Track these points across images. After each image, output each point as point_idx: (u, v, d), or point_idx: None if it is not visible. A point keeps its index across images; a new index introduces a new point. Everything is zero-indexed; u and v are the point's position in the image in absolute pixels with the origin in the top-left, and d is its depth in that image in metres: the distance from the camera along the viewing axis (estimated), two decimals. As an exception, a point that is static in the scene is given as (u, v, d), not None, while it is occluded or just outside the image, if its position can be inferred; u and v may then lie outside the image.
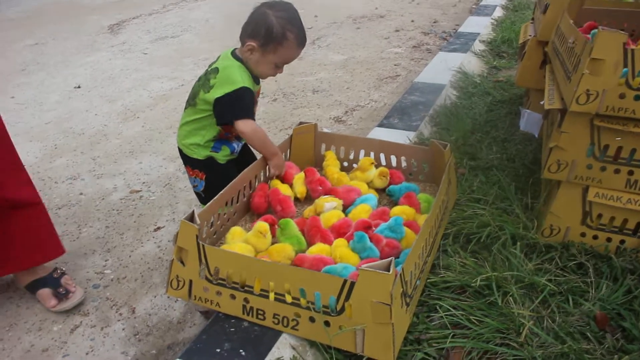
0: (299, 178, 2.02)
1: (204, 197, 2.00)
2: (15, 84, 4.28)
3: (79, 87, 4.16)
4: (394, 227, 1.65)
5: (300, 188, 2.00)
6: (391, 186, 1.99)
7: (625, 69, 1.48)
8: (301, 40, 1.80)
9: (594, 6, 2.41)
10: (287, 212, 1.86)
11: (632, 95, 1.51)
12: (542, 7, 2.47)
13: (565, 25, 1.95)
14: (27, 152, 3.05)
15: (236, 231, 1.75)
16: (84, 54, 5.10)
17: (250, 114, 1.80)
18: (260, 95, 3.69)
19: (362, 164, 2.05)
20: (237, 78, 1.76)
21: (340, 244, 1.61)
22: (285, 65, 1.87)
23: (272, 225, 1.73)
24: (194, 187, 2.02)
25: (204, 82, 1.82)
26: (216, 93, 1.76)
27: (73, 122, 3.47)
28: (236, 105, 1.77)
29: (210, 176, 1.95)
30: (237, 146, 1.98)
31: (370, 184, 2.03)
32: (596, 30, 1.58)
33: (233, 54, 1.84)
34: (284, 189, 1.94)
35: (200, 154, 1.92)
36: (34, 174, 2.81)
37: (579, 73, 1.55)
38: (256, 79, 1.88)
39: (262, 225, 1.68)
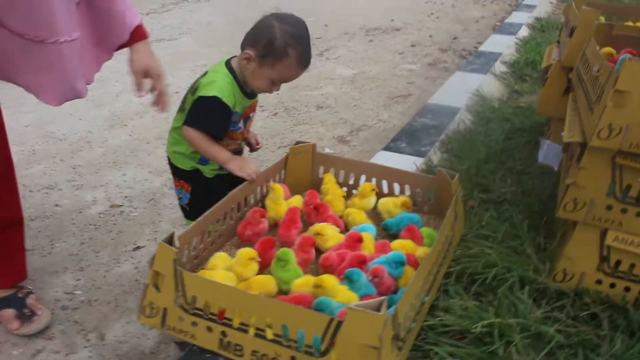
0: (294, 201, 2.01)
1: (188, 210, 2.01)
2: (-5, 82, 4.31)
3: (64, 88, 4.18)
4: (393, 263, 1.63)
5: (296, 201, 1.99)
6: (388, 219, 1.97)
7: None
8: (304, 61, 1.78)
9: (624, 32, 2.42)
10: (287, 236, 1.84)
11: (658, 132, 1.51)
12: (569, 29, 2.49)
13: (592, 51, 1.96)
14: (2, 156, 3.07)
15: (220, 257, 1.74)
16: (73, 52, 5.14)
17: (205, 127, 1.77)
18: (259, 109, 3.73)
19: (363, 190, 2.04)
20: (216, 85, 1.76)
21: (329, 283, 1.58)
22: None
23: (266, 250, 1.71)
24: (179, 199, 2.02)
25: (193, 85, 1.84)
26: (195, 95, 1.79)
27: (55, 126, 3.49)
28: (196, 110, 1.77)
29: (195, 189, 1.95)
30: None
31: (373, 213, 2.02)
32: (624, 57, 1.59)
33: (227, 62, 1.84)
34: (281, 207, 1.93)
35: (185, 164, 1.92)
36: (7, 180, 2.82)
37: (602, 105, 1.55)
38: (249, 93, 1.87)
39: (248, 252, 1.66)
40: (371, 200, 2.03)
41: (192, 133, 1.79)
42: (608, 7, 3.06)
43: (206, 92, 1.76)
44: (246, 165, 1.84)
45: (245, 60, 1.77)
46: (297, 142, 2.16)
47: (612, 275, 1.73)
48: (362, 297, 1.54)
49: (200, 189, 1.95)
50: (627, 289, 1.72)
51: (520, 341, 1.53)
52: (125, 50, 1.77)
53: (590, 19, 2.31)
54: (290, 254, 1.64)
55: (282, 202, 1.94)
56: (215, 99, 1.74)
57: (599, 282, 1.75)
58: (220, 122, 1.80)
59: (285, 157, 2.13)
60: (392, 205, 1.97)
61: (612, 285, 1.74)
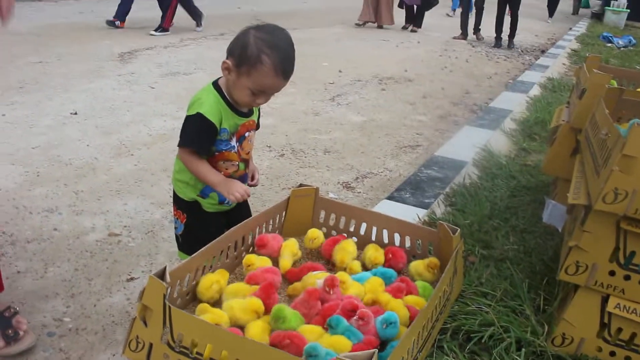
0: (286, 247, 1.97)
1: (180, 242, 1.98)
2: (9, 102, 4.36)
3: (75, 113, 4.22)
4: (387, 325, 1.58)
5: (285, 262, 1.92)
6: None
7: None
8: (280, 68, 1.70)
9: (634, 97, 2.42)
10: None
11: (665, 201, 1.49)
12: (579, 92, 2.49)
13: (601, 114, 1.95)
14: (6, 176, 3.07)
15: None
16: (87, 79, 5.21)
17: (189, 143, 1.76)
18: (267, 149, 3.75)
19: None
20: (200, 103, 1.75)
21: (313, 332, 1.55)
22: (271, 98, 1.82)
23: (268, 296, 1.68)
24: (175, 228, 2.00)
25: None
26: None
27: (62, 150, 3.50)
28: (182, 130, 1.77)
29: (190, 221, 1.93)
30: None
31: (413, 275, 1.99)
32: (633, 122, 1.58)
33: (214, 82, 1.83)
34: (262, 261, 1.88)
35: (186, 195, 1.90)
36: (8, 200, 2.82)
37: (609, 169, 1.54)
38: (240, 112, 1.83)
39: (257, 305, 1.63)
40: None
41: (182, 153, 1.79)
42: (619, 71, 3.08)
43: (191, 111, 1.75)
44: (234, 187, 1.78)
45: (226, 70, 1.75)
46: (300, 185, 2.14)
47: (612, 344, 1.69)
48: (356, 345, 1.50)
49: (195, 222, 1.92)
50: (628, 359, 1.68)
51: (514, 406, 1.48)
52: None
53: (601, 82, 2.31)
54: (285, 310, 1.60)
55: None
56: (197, 115, 1.73)
57: (599, 349, 1.71)
58: (203, 138, 1.77)
59: (286, 199, 2.11)
60: (423, 267, 1.93)
61: (612, 354, 1.70)
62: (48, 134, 3.76)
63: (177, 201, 1.94)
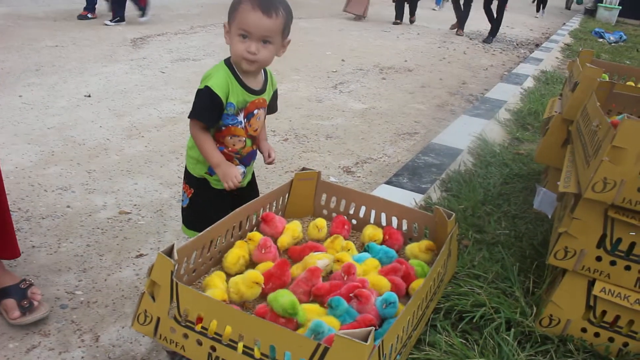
0: (289, 229, 1.97)
1: (184, 215, 1.98)
2: (25, 83, 4.34)
3: (89, 96, 4.20)
4: (387, 304, 1.57)
5: (284, 239, 1.93)
6: (372, 243, 1.96)
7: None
8: (257, 2, 1.68)
9: (624, 91, 2.41)
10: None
11: (652, 190, 1.48)
12: (572, 84, 2.47)
13: (592, 107, 1.94)
14: (22, 154, 3.06)
15: (218, 275, 1.71)
16: (101, 63, 5.18)
17: (194, 115, 1.76)
18: (271, 133, 3.73)
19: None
20: (209, 75, 1.76)
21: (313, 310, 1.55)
22: (264, 46, 1.74)
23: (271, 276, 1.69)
24: (181, 200, 1.99)
25: None
26: None
27: (76, 131, 3.48)
28: (193, 103, 1.77)
29: (196, 196, 1.92)
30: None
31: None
32: (623, 115, 1.57)
33: (226, 59, 1.82)
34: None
35: (195, 171, 1.89)
36: (24, 177, 2.81)
37: (599, 159, 1.53)
38: (251, 89, 1.81)
39: (255, 275, 1.63)
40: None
41: (191, 126, 1.79)
42: (610, 66, 3.05)
43: (201, 85, 1.76)
44: (228, 175, 1.78)
45: (226, 36, 1.76)
46: (303, 169, 2.13)
47: (597, 325, 1.69)
48: (342, 323, 1.51)
49: (202, 197, 1.91)
50: (611, 340, 1.68)
51: (502, 383, 1.48)
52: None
53: (593, 76, 2.29)
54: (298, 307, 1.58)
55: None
56: (206, 89, 1.73)
57: (584, 330, 1.71)
58: (209, 110, 1.77)
59: (289, 182, 2.11)
60: (418, 250, 1.94)
61: (597, 335, 1.70)
62: (63, 115, 3.74)
63: (187, 176, 1.94)
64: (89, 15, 7.36)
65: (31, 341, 1.77)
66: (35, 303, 1.84)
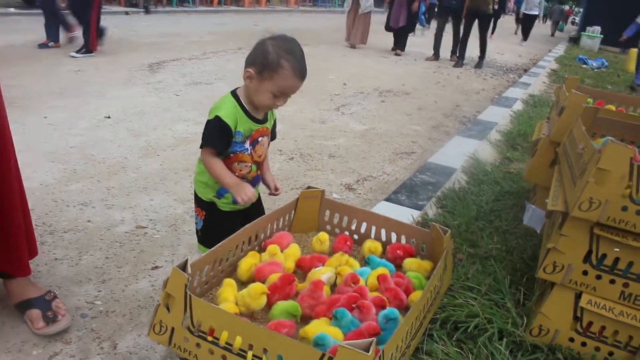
0: (289, 252, 1.94)
1: (200, 236, 1.99)
2: (50, 105, 4.36)
3: (108, 117, 4.22)
4: (387, 320, 1.56)
5: (288, 264, 1.89)
6: (372, 255, 1.95)
7: None
8: (298, 70, 1.73)
9: (607, 115, 2.41)
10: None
11: (634, 209, 1.48)
12: (559, 109, 2.48)
13: (578, 130, 1.94)
14: (46, 172, 3.07)
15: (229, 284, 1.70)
16: (120, 87, 5.21)
17: (206, 143, 1.78)
18: (278, 152, 3.74)
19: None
20: (219, 107, 1.77)
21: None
22: (289, 98, 1.81)
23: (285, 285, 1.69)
24: (195, 223, 2.00)
25: None
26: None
27: (96, 150, 3.50)
28: (203, 134, 1.77)
29: (208, 218, 1.93)
30: None
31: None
32: (606, 139, 1.58)
33: (233, 91, 1.83)
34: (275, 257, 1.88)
35: (204, 195, 1.91)
36: (48, 194, 2.81)
37: (585, 180, 1.53)
38: (255, 118, 1.83)
39: (260, 287, 1.63)
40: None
41: (203, 153, 1.80)
42: (594, 92, 3.06)
43: (211, 115, 1.77)
44: (243, 191, 1.80)
45: (248, 79, 1.75)
46: (309, 187, 2.14)
47: (584, 335, 1.68)
48: (345, 334, 1.50)
49: (212, 220, 1.92)
50: (597, 349, 1.68)
51: (495, 390, 1.47)
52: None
53: (579, 101, 2.30)
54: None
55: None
56: (216, 118, 1.74)
57: (571, 339, 1.70)
58: (219, 138, 1.78)
59: (296, 200, 2.11)
60: (416, 266, 1.93)
61: (584, 344, 1.69)
62: (84, 135, 3.76)
63: (197, 200, 1.95)
64: (50, 45, 6.88)
65: (53, 349, 1.76)
66: (59, 316, 1.83)
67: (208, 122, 1.77)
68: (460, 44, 9.32)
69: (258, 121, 1.84)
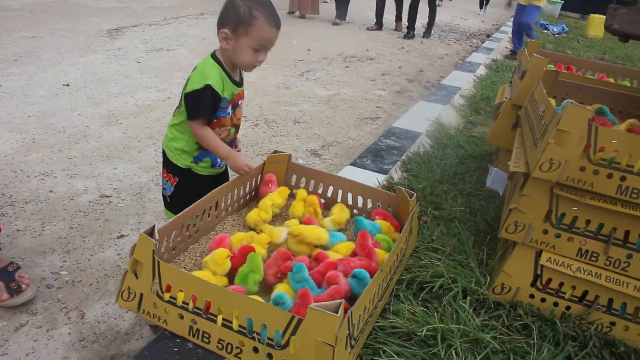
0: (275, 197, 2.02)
1: (168, 201, 1.95)
2: (5, 73, 4.20)
3: (67, 85, 4.10)
4: (359, 281, 1.58)
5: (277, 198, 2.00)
6: (360, 217, 1.96)
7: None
8: (272, 19, 1.70)
9: (567, 79, 2.45)
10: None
11: (592, 169, 1.52)
12: (520, 72, 2.51)
13: (539, 93, 1.97)
14: (3, 142, 2.98)
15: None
16: (78, 53, 5.05)
17: (200, 114, 1.74)
18: (243, 119, 3.69)
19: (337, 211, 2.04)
20: (205, 75, 1.72)
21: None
22: (268, 53, 1.78)
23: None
24: (163, 189, 1.96)
25: (186, 82, 1.79)
26: (187, 89, 1.73)
27: (55, 119, 3.40)
28: (194, 104, 1.73)
29: (181, 183, 1.90)
30: (221, 160, 1.92)
31: None
32: (566, 101, 1.60)
33: (212, 54, 1.79)
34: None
35: (180, 161, 1.86)
36: (7, 164, 2.73)
37: (545, 141, 1.56)
38: (236, 82, 1.81)
39: (224, 251, 1.62)
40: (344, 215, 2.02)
41: (195, 125, 1.75)
42: (555, 56, 3.11)
43: (198, 84, 1.71)
44: (240, 164, 1.83)
45: (224, 41, 1.71)
46: (275, 152, 2.13)
47: (543, 291, 1.74)
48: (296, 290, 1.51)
49: (186, 185, 1.89)
50: (556, 304, 1.73)
51: (460, 345, 1.52)
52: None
53: (540, 65, 2.33)
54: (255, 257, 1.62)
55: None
56: (208, 87, 1.70)
57: (531, 296, 1.75)
58: (211, 107, 1.75)
59: (262, 164, 2.10)
60: (387, 229, 1.95)
61: (543, 300, 1.74)
62: (42, 103, 3.64)
63: (170, 166, 1.89)
64: None
65: (19, 320, 1.74)
66: (23, 286, 1.80)
67: (197, 91, 1.71)
68: (409, 11, 8.41)
69: (238, 84, 1.82)
